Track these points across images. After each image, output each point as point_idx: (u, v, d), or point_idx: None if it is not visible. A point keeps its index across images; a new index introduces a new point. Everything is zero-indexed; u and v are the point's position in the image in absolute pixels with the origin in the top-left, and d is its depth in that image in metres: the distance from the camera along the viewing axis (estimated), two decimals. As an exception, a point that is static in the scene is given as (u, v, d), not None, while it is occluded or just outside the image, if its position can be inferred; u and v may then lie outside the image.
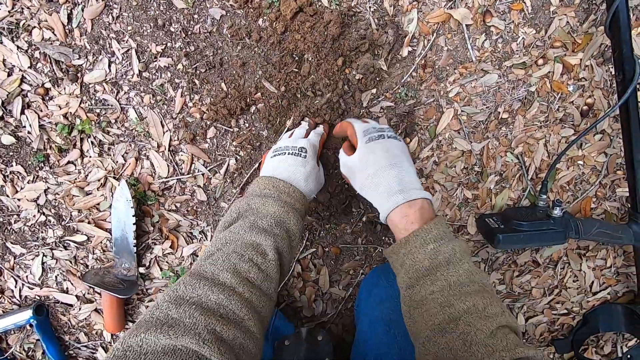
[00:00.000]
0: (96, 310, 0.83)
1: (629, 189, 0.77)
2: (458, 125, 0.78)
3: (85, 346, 0.85)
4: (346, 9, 0.69)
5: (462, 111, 0.77)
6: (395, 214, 0.54)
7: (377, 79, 0.73)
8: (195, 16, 0.69)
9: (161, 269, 0.81)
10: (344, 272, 0.86)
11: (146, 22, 0.69)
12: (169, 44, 0.70)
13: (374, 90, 0.74)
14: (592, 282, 0.91)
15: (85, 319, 0.83)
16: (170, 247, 0.80)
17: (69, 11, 0.67)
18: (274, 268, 0.51)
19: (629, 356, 0.84)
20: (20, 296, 0.81)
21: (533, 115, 0.78)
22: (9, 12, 0.66)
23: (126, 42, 0.70)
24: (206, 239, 0.80)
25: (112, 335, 0.85)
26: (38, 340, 0.83)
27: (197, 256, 0.81)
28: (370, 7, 0.70)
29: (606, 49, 0.74)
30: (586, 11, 0.72)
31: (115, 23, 0.69)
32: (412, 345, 0.64)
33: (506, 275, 0.89)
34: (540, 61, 0.75)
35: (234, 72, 0.71)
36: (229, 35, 0.70)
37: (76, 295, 0.81)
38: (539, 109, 0.78)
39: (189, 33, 0.70)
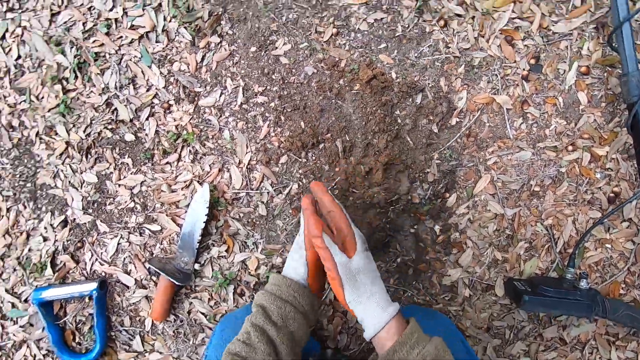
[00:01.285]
0: (147, 297, 0.92)
1: (656, 276, 0.81)
2: (493, 189, 0.89)
3: (125, 330, 0.93)
4: (410, 82, 0.88)
5: (497, 178, 0.88)
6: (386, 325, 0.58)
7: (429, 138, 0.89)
8: (293, 70, 0.90)
9: (212, 269, 0.91)
10: (372, 309, 0.91)
11: (256, 69, 0.91)
12: (268, 87, 0.91)
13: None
14: (623, 375, 0.89)
15: (135, 303, 0.93)
16: (226, 250, 0.91)
17: (204, 53, 0.91)
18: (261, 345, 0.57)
19: None
20: (90, 269, 0.93)
21: (563, 193, 0.88)
22: (162, 48, 0.91)
23: (237, 80, 0.91)
24: (257, 250, 0.91)
25: (152, 323, 0.92)
26: (90, 314, 0.92)
27: (246, 265, 0.91)
28: (429, 83, 0.89)
29: (630, 147, 0.86)
30: (611, 113, 0.86)
31: (233, 66, 0.91)
32: None
33: (531, 348, 0.90)
34: (570, 147, 0.87)
35: (313, 115, 0.90)
36: (315, 87, 0.90)
37: (135, 279, 0.92)
38: (568, 188, 0.88)
39: (286, 81, 0.90)
